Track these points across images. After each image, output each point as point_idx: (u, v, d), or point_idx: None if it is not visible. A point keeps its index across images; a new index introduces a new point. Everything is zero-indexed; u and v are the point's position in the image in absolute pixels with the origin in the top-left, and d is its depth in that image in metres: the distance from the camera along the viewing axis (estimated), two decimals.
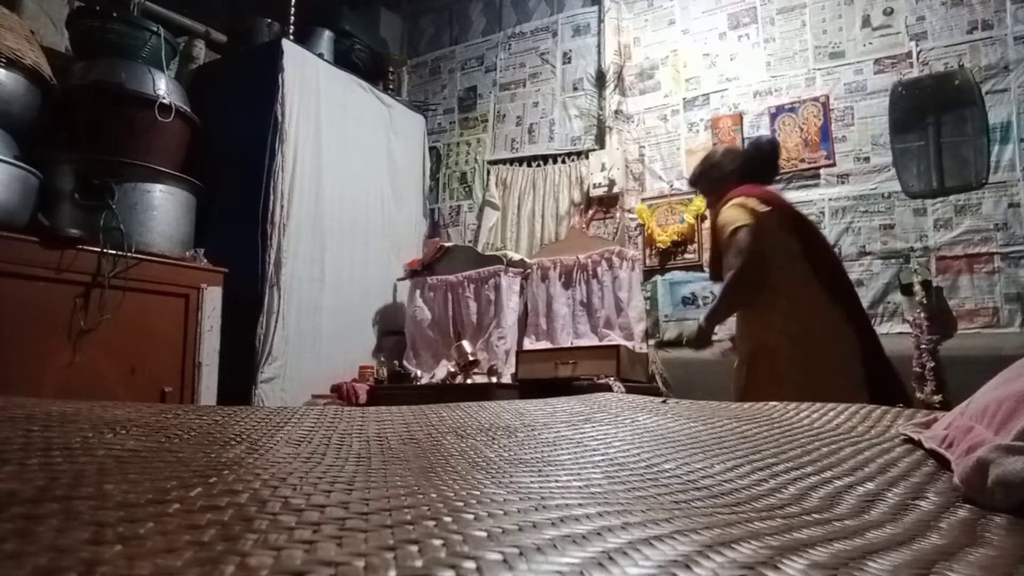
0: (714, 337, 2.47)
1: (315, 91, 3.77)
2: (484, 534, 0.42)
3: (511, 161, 4.37)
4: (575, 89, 4.26)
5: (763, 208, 2.29)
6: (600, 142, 4.08)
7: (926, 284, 3.13)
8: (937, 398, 2.90)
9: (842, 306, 2.26)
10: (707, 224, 3.69)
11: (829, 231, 3.35)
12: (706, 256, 3.71)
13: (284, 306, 3.45)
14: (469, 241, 4.37)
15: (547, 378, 3.30)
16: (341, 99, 3.95)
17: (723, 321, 2.45)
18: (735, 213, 2.30)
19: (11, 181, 2.60)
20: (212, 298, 3.07)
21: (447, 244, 4.16)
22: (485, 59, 4.63)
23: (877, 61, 3.43)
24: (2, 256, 2.46)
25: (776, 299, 2.24)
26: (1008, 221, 3.07)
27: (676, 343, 2.56)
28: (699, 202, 3.73)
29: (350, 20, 4.35)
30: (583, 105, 4.21)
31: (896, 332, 3.14)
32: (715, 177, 2.53)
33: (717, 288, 2.54)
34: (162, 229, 3.02)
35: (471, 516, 0.47)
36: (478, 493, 0.57)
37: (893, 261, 3.26)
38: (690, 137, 3.86)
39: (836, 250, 3.20)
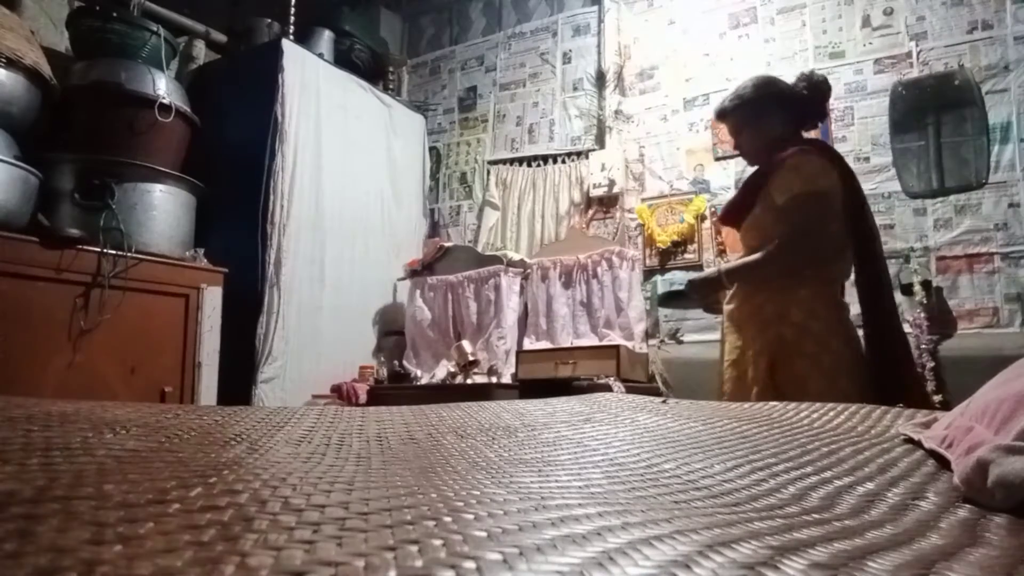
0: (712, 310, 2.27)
1: (315, 91, 3.77)
2: (484, 534, 0.42)
3: (511, 161, 4.37)
4: (575, 89, 4.26)
5: (838, 177, 2.02)
6: (600, 142, 4.08)
7: (926, 284, 3.14)
8: (937, 398, 2.89)
9: (865, 304, 2.02)
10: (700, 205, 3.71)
11: None
12: (707, 255, 3.72)
13: (284, 306, 3.44)
14: (469, 241, 4.37)
15: (547, 378, 3.29)
16: (341, 99, 3.95)
17: (744, 284, 2.09)
18: (820, 174, 1.99)
19: (11, 181, 2.60)
20: (212, 298, 3.07)
21: (447, 244, 4.16)
22: (485, 59, 4.63)
23: (877, 61, 3.43)
24: (2, 256, 2.46)
25: (797, 287, 1.97)
26: (1008, 221, 3.07)
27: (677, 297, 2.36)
28: (699, 202, 3.73)
29: (350, 20, 4.35)
30: (583, 105, 4.20)
31: None
32: (775, 109, 2.19)
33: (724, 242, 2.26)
34: (162, 229, 3.02)
35: (471, 516, 0.47)
36: (478, 493, 0.57)
37: (893, 261, 3.25)
38: (690, 137, 3.86)
39: None
